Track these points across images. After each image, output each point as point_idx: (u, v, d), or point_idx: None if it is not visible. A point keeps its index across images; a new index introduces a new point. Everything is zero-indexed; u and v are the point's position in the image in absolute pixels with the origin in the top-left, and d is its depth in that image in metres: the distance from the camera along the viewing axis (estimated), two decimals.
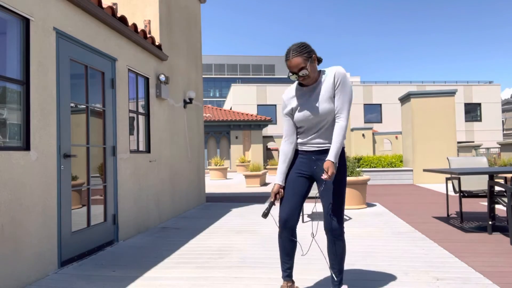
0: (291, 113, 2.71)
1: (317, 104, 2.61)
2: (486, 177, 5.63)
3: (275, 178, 2.72)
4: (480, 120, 36.03)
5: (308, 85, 2.64)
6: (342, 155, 2.65)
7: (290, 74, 2.57)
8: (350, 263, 3.68)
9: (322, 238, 4.76)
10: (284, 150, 2.73)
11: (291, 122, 2.73)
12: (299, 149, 2.75)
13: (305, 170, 2.72)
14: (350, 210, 6.97)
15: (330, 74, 2.60)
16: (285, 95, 2.74)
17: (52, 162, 3.61)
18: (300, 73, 2.53)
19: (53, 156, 3.63)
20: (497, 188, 5.34)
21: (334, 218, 2.58)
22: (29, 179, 3.29)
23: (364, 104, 36.22)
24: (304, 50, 2.53)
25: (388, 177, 12.44)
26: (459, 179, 5.44)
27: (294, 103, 2.69)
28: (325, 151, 2.66)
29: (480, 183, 5.67)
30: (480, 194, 5.37)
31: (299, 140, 2.74)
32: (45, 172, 3.51)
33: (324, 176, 2.46)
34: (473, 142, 33.83)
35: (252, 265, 3.66)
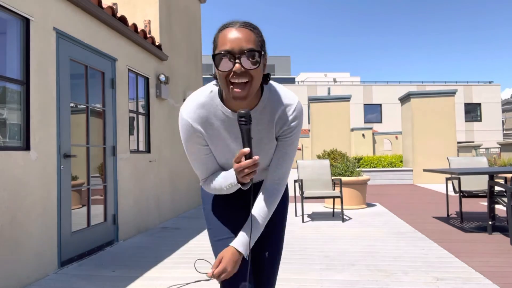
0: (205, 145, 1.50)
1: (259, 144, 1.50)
2: (486, 177, 5.63)
3: (229, 178, 1.49)
4: (480, 120, 36.03)
5: (240, 99, 1.29)
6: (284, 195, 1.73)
7: (223, 54, 1.26)
8: (350, 263, 3.68)
9: (317, 237, 4.76)
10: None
11: (208, 157, 1.53)
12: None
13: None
14: (350, 210, 6.97)
15: (280, 102, 1.46)
16: (191, 114, 1.43)
17: (52, 162, 3.61)
18: (244, 60, 1.26)
19: (53, 156, 3.63)
20: (497, 188, 5.34)
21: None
22: (29, 179, 3.29)
23: (364, 104, 36.22)
24: (260, 33, 1.35)
25: (388, 177, 12.43)
26: (459, 179, 5.44)
27: (209, 130, 1.46)
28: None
29: (480, 183, 5.67)
30: (480, 194, 5.37)
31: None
32: (45, 172, 3.51)
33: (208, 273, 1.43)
34: (473, 142, 33.83)
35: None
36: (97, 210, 4.45)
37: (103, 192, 4.59)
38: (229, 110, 1.42)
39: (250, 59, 1.27)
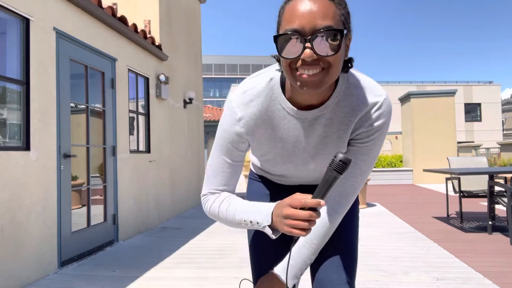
0: (243, 149, 1.20)
1: (318, 149, 1.17)
2: (486, 177, 5.62)
3: (260, 216, 1.09)
4: (480, 120, 36.02)
5: (311, 88, 0.95)
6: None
7: (290, 35, 0.92)
8: None
9: None
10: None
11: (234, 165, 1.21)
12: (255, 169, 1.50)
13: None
14: None
15: (364, 99, 1.09)
16: (242, 107, 1.12)
17: (52, 162, 3.61)
18: (318, 43, 0.91)
19: (53, 156, 3.63)
20: (497, 188, 5.34)
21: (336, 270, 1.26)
22: (29, 179, 3.29)
23: None
24: (343, 3, 1.01)
25: (388, 177, 12.43)
26: (459, 179, 5.44)
27: (257, 142, 1.19)
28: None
29: (480, 183, 5.67)
30: (480, 194, 5.37)
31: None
32: (45, 172, 3.51)
33: None
34: (473, 142, 33.83)
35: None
36: (97, 210, 4.45)
37: (103, 192, 4.59)
38: (292, 107, 1.08)
39: (328, 41, 0.91)
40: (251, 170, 1.53)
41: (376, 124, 1.09)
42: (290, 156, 1.19)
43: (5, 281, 3.00)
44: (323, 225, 1.19)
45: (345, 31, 0.95)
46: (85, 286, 3.18)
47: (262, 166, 1.35)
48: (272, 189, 1.44)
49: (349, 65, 1.06)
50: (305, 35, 0.91)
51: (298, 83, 0.95)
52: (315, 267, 1.29)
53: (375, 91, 1.10)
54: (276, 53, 1.00)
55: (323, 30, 0.90)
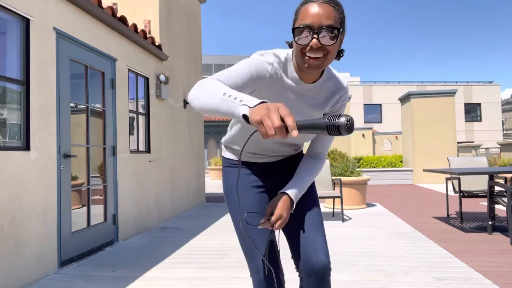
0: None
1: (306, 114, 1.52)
2: (486, 177, 5.63)
3: (245, 100, 1.09)
4: (480, 120, 36.03)
5: (314, 68, 1.32)
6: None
7: (303, 28, 1.28)
8: (350, 263, 3.68)
9: None
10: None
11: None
12: (231, 155, 1.72)
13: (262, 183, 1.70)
14: (350, 210, 6.97)
15: (341, 85, 1.53)
16: (263, 60, 1.39)
17: (52, 162, 3.61)
18: (322, 35, 1.27)
19: (53, 156, 3.63)
20: (497, 188, 5.34)
21: (322, 251, 1.53)
22: (29, 179, 3.29)
23: (364, 104, 36.22)
24: (341, 10, 1.35)
25: (388, 177, 12.43)
26: (459, 179, 5.44)
27: (263, 89, 1.43)
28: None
29: (480, 183, 5.67)
30: (480, 194, 5.37)
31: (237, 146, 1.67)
32: (45, 172, 3.51)
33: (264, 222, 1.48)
34: (473, 142, 33.83)
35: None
36: (97, 210, 4.45)
37: (103, 192, 4.59)
38: (297, 76, 1.44)
39: (328, 34, 1.28)
40: (225, 158, 1.73)
41: (344, 101, 1.56)
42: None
43: (5, 281, 3.00)
44: (311, 168, 1.60)
45: (341, 29, 1.32)
46: (85, 286, 3.18)
47: (244, 139, 1.59)
48: (252, 177, 1.68)
49: (341, 54, 1.44)
50: (314, 29, 1.29)
51: (306, 65, 1.33)
52: (297, 247, 1.61)
53: (342, 79, 1.55)
54: (289, 40, 1.45)
55: (326, 27, 1.28)
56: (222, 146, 1.74)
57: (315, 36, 1.28)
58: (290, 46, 1.47)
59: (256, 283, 1.61)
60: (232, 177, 1.69)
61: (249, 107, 1.05)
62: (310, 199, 1.64)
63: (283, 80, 1.44)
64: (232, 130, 1.65)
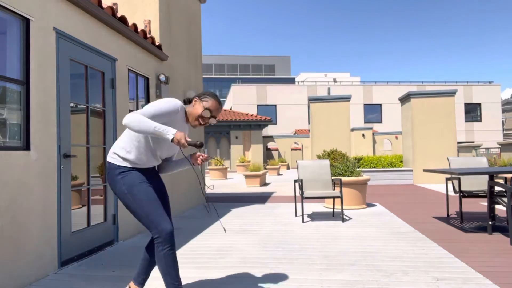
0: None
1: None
2: (486, 177, 5.63)
3: (169, 130, 2.33)
4: (480, 120, 36.03)
5: (192, 124, 2.64)
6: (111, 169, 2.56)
7: (211, 116, 2.60)
8: (350, 263, 3.68)
9: (317, 237, 4.76)
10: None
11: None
12: (123, 163, 2.56)
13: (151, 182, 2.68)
14: (350, 210, 6.97)
15: None
16: (176, 105, 2.51)
17: (52, 162, 3.61)
18: (212, 121, 2.62)
19: (53, 156, 3.63)
20: (497, 188, 5.35)
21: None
22: (29, 179, 3.29)
23: (364, 104, 36.22)
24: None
25: (388, 177, 12.44)
26: (459, 179, 5.44)
27: (175, 123, 2.56)
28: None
29: (480, 183, 5.67)
30: (480, 194, 5.37)
31: (138, 157, 2.55)
32: (45, 172, 3.51)
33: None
34: (473, 142, 33.84)
35: (252, 265, 3.66)
36: (97, 210, 4.45)
37: (103, 192, 4.59)
38: (185, 118, 2.66)
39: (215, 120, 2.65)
40: (118, 166, 2.53)
41: None
42: (172, 146, 2.64)
43: (5, 281, 3.00)
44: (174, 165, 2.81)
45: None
46: (85, 286, 3.18)
47: (145, 154, 2.57)
48: (143, 176, 2.58)
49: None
50: (214, 116, 2.67)
51: (196, 122, 2.63)
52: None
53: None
54: (189, 98, 2.73)
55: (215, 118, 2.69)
56: (118, 158, 2.53)
57: (213, 117, 2.61)
58: (189, 102, 2.70)
59: (168, 234, 2.42)
60: (134, 176, 2.52)
61: (173, 134, 2.30)
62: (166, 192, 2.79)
63: (182, 117, 2.60)
64: (132, 152, 2.52)
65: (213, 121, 2.60)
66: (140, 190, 2.48)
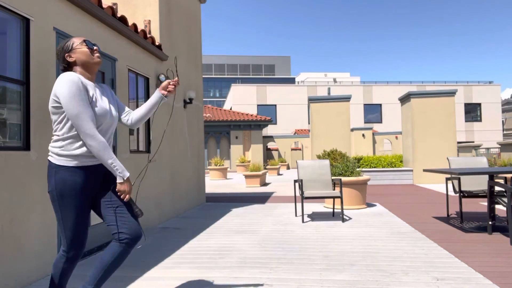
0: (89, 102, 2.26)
1: (111, 106, 2.41)
2: (486, 177, 5.63)
3: (124, 173, 2.27)
4: (480, 120, 36.03)
5: (92, 77, 2.37)
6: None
7: (90, 41, 2.37)
8: (350, 263, 3.68)
9: (317, 237, 4.76)
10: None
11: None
12: (78, 163, 2.26)
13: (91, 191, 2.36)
14: (350, 210, 6.97)
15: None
16: (74, 80, 2.18)
17: None
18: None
19: None
20: (497, 188, 5.35)
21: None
22: (29, 179, 3.29)
23: (364, 104, 36.22)
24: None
25: (388, 177, 12.44)
26: (459, 179, 5.44)
27: (89, 91, 2.27)
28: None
29: (480, 183, 5.67)
30: (480, 194, 5.37)
31: (81, 150, 2.25)
32: (45, 172, 3.51)
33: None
34: (473, 142, 33.83)
35: (252, 265, 3.66)
36: None
37: None
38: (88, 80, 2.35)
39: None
40: (51, 163, 2.25)
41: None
42: (106, 104, 2.37)
43: (5, 281, 3.00)
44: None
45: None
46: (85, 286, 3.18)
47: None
48: (84, 184, 2.30)
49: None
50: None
51: (96, 61, 2.36)
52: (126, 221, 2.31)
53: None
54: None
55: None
56: (54, 155, 2.25)
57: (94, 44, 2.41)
58: (64, 68, 2.35)
59: (73, 257, 2.35)
60: (76, 184, 2.25)
61: (123, 179, 2.25)
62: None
63: (92, 86, 2.30)
64: (70, 140, 2.24)
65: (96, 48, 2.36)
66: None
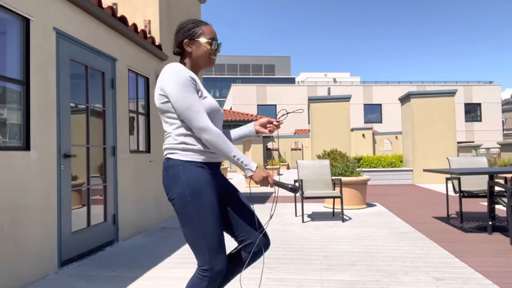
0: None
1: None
2: (486, 177, 5.63)
3: (251, 164, 1.87)
4: (480, 120, 36.02)
5: (209, 66, 2.10)
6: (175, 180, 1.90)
7: (216, 42, 2.04)
8: (350, 263, 3.68)
9: (317, 237, 4.76)
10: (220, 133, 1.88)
11: None
12: (201, 159, 1.92)
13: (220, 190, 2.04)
14: (350, 210, 6.97)
15: None
16: (184, 73, 1.89)
17: (52, 162, 3.61)
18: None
19: (53, 156, 3.63)
20: (497, 188, 5.35)
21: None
22: (29, 179, 3.29)
23: (364, 104, 36.21)
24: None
25: (388, 177, 12.44)
26: (459, 179, 5.44)
27: (198, 83, 1.97)
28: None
29: (480, 183, 5.67)
30: (480, 194, 5.37)
31: (201, 147, 1.92)
32: (45, 172, 3.51)
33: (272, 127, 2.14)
34: (473, 142, 33.82)
35: (252, 265, 3.66)
36: (97, 210, 4.45)
37: (103, 192, 4.59)
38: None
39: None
40: (177, 160, 1.90)
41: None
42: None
43: (5, 281, 3.00)
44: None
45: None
46: (85, 286, 3.18)
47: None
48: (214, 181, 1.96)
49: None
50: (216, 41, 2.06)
51: (212, 60, 2.05)
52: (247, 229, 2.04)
53: None
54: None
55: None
56: (175, 151, 1.91)
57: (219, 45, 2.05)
58: (178, 53, 2.05)
59: (217, 274, 1.84)
60: (207, 182, 1.90)
61: (252, 170, 1.85)
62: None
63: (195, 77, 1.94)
64: (192, 133, 1.91)
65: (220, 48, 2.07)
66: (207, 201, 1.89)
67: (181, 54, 2.04)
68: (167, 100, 1.90)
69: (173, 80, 1.86)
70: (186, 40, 1.99)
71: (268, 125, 2.16)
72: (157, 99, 1.94)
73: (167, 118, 1.94)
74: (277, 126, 2.14)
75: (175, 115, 1.92)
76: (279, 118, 2.18)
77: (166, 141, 1.96)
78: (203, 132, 1.83)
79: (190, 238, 1.86)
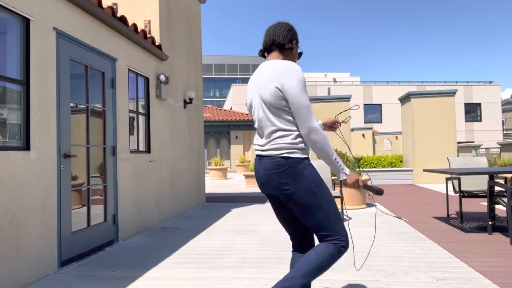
0: None
1: None
2: (486, 177, 5.63)
3: (346, 168, 2.08)
4: (480, 120, 36.01)
5: None
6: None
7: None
8: (350, 263, 3.68)
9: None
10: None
11: None
12: (309, 156, 2.13)
13: None
14: (350, 210, 6.97)
15: None
16: (300, 71, 2.07)
17: (52, 162, 3.61)
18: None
19: (53, 156, 3.63)
20: (497, 188, 5.34)
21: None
22: (29, 179, 3.29)
23: (364, 104, 36.21)
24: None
25: (388, 177, 12.43)
26: (459, 179, 5.44)
27: None
28: None
29: (480, 183, 5.67)
30: (480, 194, 5.37)
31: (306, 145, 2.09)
32: (45, 172, 3.51)
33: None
34: (473, 142, 33.83)
35: (252, 265, 3.66)
36: (97, 210, 4.45)
37: (103, 192, 4.59)
38: None
39: None
40: (298, 159, 2.03)
41: None
42: None
43: (5, 281, 3.00)
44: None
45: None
46: (85, 286, 3.18)
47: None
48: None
49: None
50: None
51: None
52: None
53: None
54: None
55: None
56: (294, 150, 2.02)
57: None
58: (279, 48, 2.18)
59: (345, 237, 2.05)
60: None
61: (346, 174, 2.05)
62: None
63: None
64: (299, 133, 2.05)
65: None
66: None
67: (280, 50, 2.17)
68: (282, 96, 1.98)
69: (296, 77, 1.96)
70: (295, 40, 2.18)
71: (334, 125, 2.51)
72: (271, 94, 2.00)
73: (281, 114, 2.02)
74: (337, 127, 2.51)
75: (290, 113, 2.01)
76: (343, 117, 2.43)
77: (279, 140, 2.04)
78: (313, 133, 1.95)
79: (324, 220, 2.03)
